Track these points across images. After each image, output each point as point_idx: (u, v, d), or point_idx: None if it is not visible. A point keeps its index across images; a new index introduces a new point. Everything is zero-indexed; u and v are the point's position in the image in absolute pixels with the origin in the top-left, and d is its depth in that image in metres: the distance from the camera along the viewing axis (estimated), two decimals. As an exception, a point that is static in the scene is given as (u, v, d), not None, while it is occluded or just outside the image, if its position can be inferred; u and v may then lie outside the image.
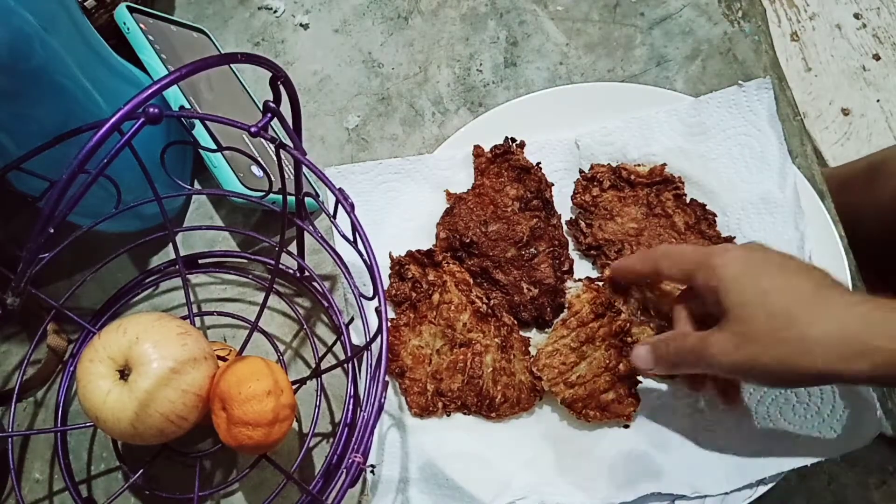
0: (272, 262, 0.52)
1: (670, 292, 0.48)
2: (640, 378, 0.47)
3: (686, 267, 0.42)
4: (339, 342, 0.49)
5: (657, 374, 0.46)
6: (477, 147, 0.55)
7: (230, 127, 0.40)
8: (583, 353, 0.47)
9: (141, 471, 0.48)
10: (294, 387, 0.46)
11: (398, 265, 0.52)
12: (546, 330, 0.50)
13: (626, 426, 0.47)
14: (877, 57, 0.56)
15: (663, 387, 0.49)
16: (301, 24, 0.64)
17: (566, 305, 0.48)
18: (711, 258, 0.40)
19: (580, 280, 0.49)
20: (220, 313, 0.56)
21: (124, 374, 0.41)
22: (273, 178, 0.48)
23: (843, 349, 0.35)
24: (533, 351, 0.49)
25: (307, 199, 0.47)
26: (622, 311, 0.48)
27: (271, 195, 0.49)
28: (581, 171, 0.54)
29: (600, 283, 0.49)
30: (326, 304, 0.52)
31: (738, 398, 0.45)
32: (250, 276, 0.56)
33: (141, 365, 0.41)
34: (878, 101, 0.55)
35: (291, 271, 0.55)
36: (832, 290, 0.37)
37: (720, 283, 0.39)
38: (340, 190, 0.39)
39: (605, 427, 0.48)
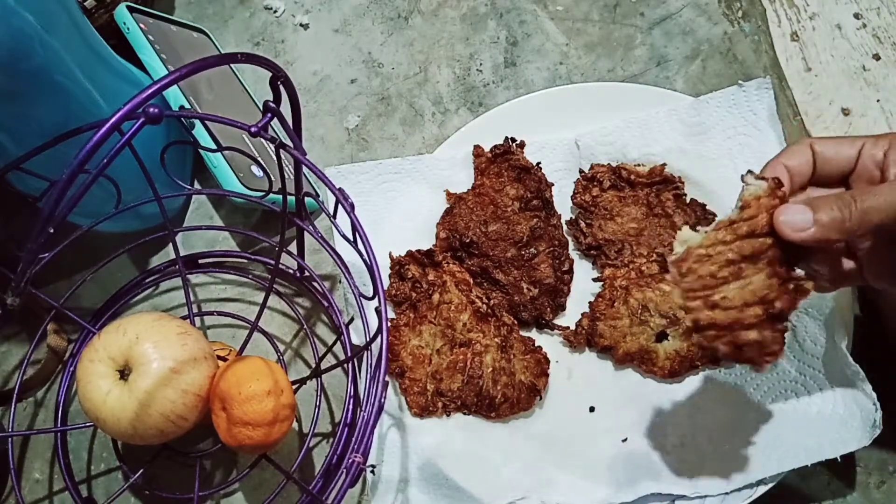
0: (272, 262, 0.52)
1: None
2: (787, 324, 0.37)
3: (855, 141, 0.37)
4: (339, 342, 0.49)
5: (814, 238, 0.34)
6: (477, 147, 0.55)
7: (230, 127, 0.40)
8: (739, 271, 0.35)
9: (141, 471, 0.48)
10: (294, 387, 0.46)
11: (398, 265, 0.52)
12: (697, 230, 0.38)
13: (759, 370, 0.37)
14: (877, 57, 0.56)
15: (663, 387, 0.49)
16: (301, 24, 0.64)
17: (739, 205, 0.36)
18: (892, 133, 0.37)
19: (765, 179, 0.36)
20: (220, 313, 0.56)
21: (124, 374, 0.41)
22: (273, 178, 0.48)
23: None
24: (679, 248, 0.37)
25: (307, 199, 0.47)
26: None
27: (271, 195, 0.49)
28: (581, 171, 0.54)
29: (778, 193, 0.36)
30: (326, 304, 0.53)
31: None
32: (250, 276, 0.56)
33: (141, 365, 0.41)
34: (878, 101, 0.55)
35: (291, 271, 0.55)
36: None
37: None
38: (340, 190, 0.39)
39: (604, 427, 0.48)
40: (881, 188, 0.34)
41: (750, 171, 0.37)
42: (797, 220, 0.35)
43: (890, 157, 0.36)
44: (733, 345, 0.36)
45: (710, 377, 0.48)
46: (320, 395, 0.50)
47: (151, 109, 0.28)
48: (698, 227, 0.37)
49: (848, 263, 0.39)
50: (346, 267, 0.48)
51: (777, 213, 0.35)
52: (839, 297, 0.45)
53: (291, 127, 0.39)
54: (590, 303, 0.51)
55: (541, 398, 0.49)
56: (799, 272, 0.36)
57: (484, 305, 0.50)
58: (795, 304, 0.36)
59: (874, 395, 0.42)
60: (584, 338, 0.50)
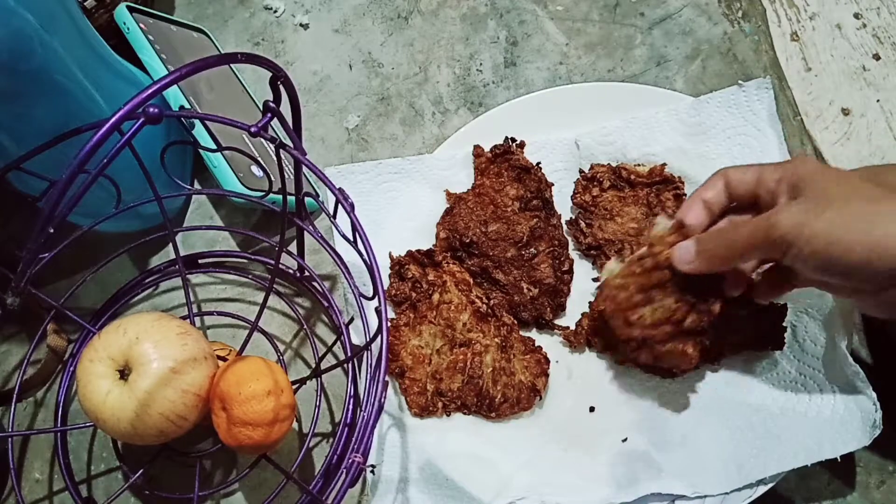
0: (272, 262, 0.52)
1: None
2: (706, 340, 0.43)
3: (759, 168, 0.40)
4: (339, 342, 0.49)
5: (698, 270, 0.40)
6: (477, 147, 0.55)
7: (230, 127, 0.40)
8: (651, 297, 0.42)
9: (141, 471, 0.48)
10: (294, 387, 0.46)
11: (398, 265, 0.52)
12: (621, 260, 0.46)
13: (676, 375, 0.45)
14: (877, 57, 0.56)
15: (663, 386, 0.49)
16: (301, 24, 0.64)
17: (648, 242, 0.43)
18: (791, 160, 0.40)
19: (673, 219, 0.43)
20: (220, 313, 0.56)
21: (124, 374, 0.41)
22: (273, 178, 0.48)
23: None
24: (604, 276, 0.45)
25: (307, 199, 0.47)
26: None
27: (271, 195, 0.49)
28: (581, 171, 0.54)
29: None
30: (326, 304, 0.52)
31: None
32: (250, 276, 0.56)
33: (141, 365, 0.41)
34: (878, 101, 0.55)
35: (291, 271, 0.55)
36: None
37: (801, 172, 0.37)
38: (340, 190, 0.39)
39: (604, 427, 0.48)
40: (748, 222, 0.38)
41: (663, 212, 0.44)
42: (684, 255, 0.40)
43: (779, 187, 0.38)
44: (652, 355, 0.43)
45: (709, 377, 0.48)
46: (320, 395, 0.50)
47: (151, 109, 0.28)
48: (623, 256, 0.45)
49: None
50: (346, 267, 0.48)
51: (671, 250, 0.41)
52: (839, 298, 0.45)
53: (291, 127, 0.39)
54: (590, 303, 0.51)
55: (541, 398, 0.49)
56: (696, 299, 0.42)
57: (484, 305, 0.50)
58: (701, 322, 0.42)
59: (874, 395, 0.42)
60: (584, 338, 0.50)
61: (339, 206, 0.40)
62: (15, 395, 0.51)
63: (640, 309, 0.43)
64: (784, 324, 0.47)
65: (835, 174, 0.38)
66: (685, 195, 0.52)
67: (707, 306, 0.42)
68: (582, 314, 0.51)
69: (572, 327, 0.51)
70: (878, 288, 0.36)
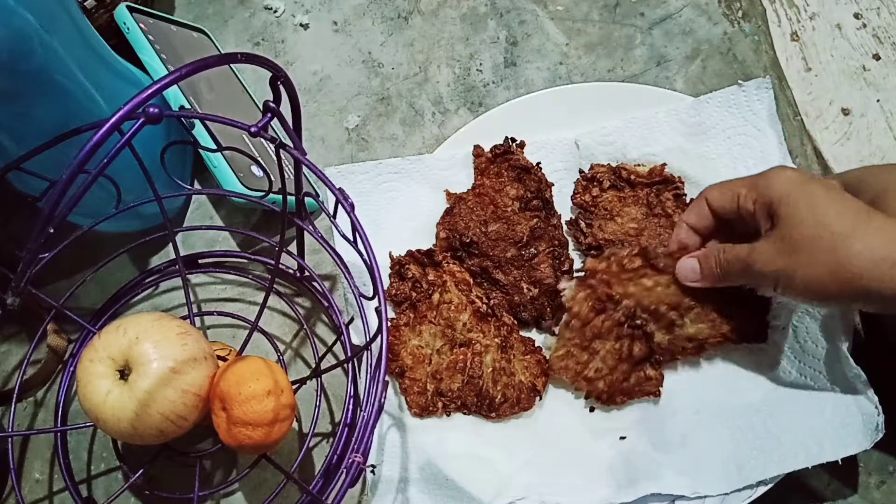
0: (272, 262, 0.52)
1: (661, 293, 0.47)
2: (659, 357, 0.48)
3: (736, 190, 0.43)
4: (339, 342, 0.49)
5: (704, 285, 0.45)
6: (477, 147, 0.55)
7: (230, 127, 0.40)
8: (594, 350, 0.47)
9: (141, 471, 0.48)
10: (294, 387, 0.46)
11: (398, 265, 0.52)
12: (550, 332, 0.50)
13: (656, 400, 0.48)
14: (877, 57, 0.56)
15: (663, 386, 0.49)
16: (301, 24, 0.64)
17: (566, 308, 0.48)
18: (766, 175, 0.42)
19: (573, 279, 0.49)
20: (220, 313, 0.56)
21: (124, 374, 0.41)
22: (273, 178, 0.48)
23: (887, 266, 0.36)
24: (547, 354, 0.49)
25: (307, 199, 0.47)
26: (622, 299, 0.47)
27: (271, 195, 0.49)
28: (581, 171, 0.54)
29: (592, 277, 0.48)
30: (326, 304, 0.52)
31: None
32: (250, 276, 0.56)
33: (141, 365, 0.41)
34: (878, 101, 0.55)
35: (291, 271, 0.55)
36: (876, 213, 0.38)
37: (773, 195, 0.40)
38: (340, 190, 0.39)
39: (604, 428, 0.48)
40: (736, 252, 0.42)
41: (565, 275, 0.50)
42: (689, 274, 0.45)
43: (757, 210, 0.42)
44: (625, 394, 0.48)
45: (710, 378, 0.48)
46: (320, 395, 0.50)
47: (151, 109, 0.28)
48: (554, 329, 0.49)
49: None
50: (346, 267, 0.48)
51: (676, 268, 0.46)
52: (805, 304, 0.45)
53: (291, 127, 0.39)
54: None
55: (541, 398, 0.49)
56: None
57: (484, 305, 0.50)
58: (648, 345, 0.47)
59: (875, 398, 0.42)
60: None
61: (339, 206, 0.40)
62: (15, 395, 0.51)
63: (591, 363, 0.48)
64: (768, 317, 0.47)
65: (805, 195, 0.39)
66: (685, 195, 0.52)
67: (641, 328, 0.47)
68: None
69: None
70: (864, 305, 0.40)
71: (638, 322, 0.47)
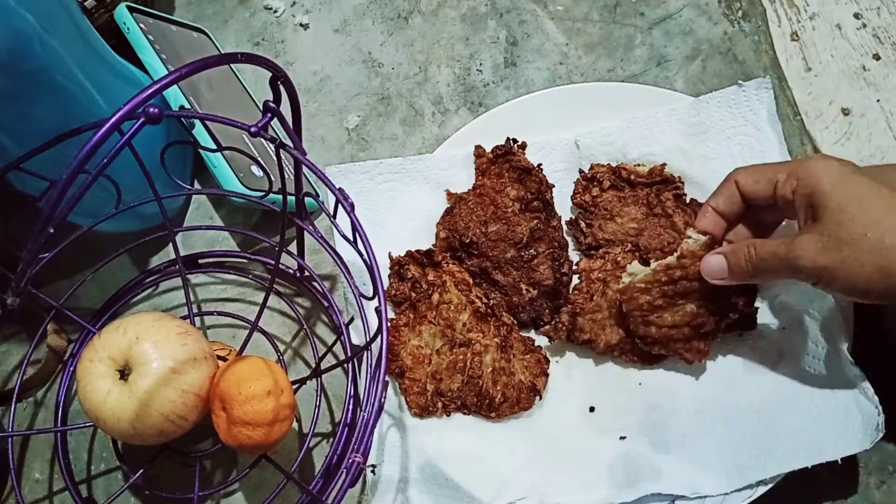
0: (272, 262, 0.52)
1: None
2: (716, 335, 0.47)
3: (772, 176, 0.41)
4: (339, 342, 0.49)
5: (731, 282, 0.43)
6: (478, 147, 0.55)
7: (230, 127, 0.40)
8: (674, 303, 0.46)
9: (141, 471, 0.48)
10: (294, 387, 0.46)
11: (398, 265, 0.52)
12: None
13: (690, 362, 0.47)
14: (877, 57, 0.56)
15: (663, 387, 0.49)
16: (301, 24, 0.64)
17: (678, 254, 0.45)
18: (806, 164, 0.40)
19: (706, 234, 0.45)
20: (220, 313, 0.56)
21: (124, 374, 0.41)
22: (273, 178, 0.48)
23: None
24: (625, 279, 0.47)
25: (307, 199, 0.47)
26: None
27: (271, 195, 0.49)
28: (581, 172, 0.54)
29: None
30: (326, 304, 0.53)
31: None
32: (250, 276, 0.56)
33: (141, 365, 0.41)
34: (878, 101, 0.55)
35: (291, 271, 0.55)
36: None
37: (818, 186, 0.38)
38: (340, 190, 0.39)
39: (604, 427, 0.48)
40: (774, 246, 0.40)
41: (694, 227, 0.46)
42: (715, 271, 0.43)
43: (797, 200, 0.40)
44: (665, 349, 0.47)
45: (710, 378, 0.48)
46: (320, 395, 0.50)
47: (151, 109, 0.28)
48: (650, 259, 0.48)
49: None
50: (346, 267, 0.48)
51: (701, 265, 0.44)
52: (840, 298, 0.45)
53: (291, 127, 0.39)
54: (567, 297, 0.51)
55: (541, 398, 0.49)
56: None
57: (483, 305, 0.50)
58: (720, 327, 0.46)
59: (876, 398, 0.42)
60: (564, 333, 0.50)
61: (339, 206, 0.40)
62: (15, 395, 0.51)
63: (663, 311, 0.46)
64: (757, 305, 0.47)
65: (851, 189, 0.38)
66: (685, 195, 0.52)
67: (726, 315, 0.45)
68: (561, 310, 0.51)
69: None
70: None
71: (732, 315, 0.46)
